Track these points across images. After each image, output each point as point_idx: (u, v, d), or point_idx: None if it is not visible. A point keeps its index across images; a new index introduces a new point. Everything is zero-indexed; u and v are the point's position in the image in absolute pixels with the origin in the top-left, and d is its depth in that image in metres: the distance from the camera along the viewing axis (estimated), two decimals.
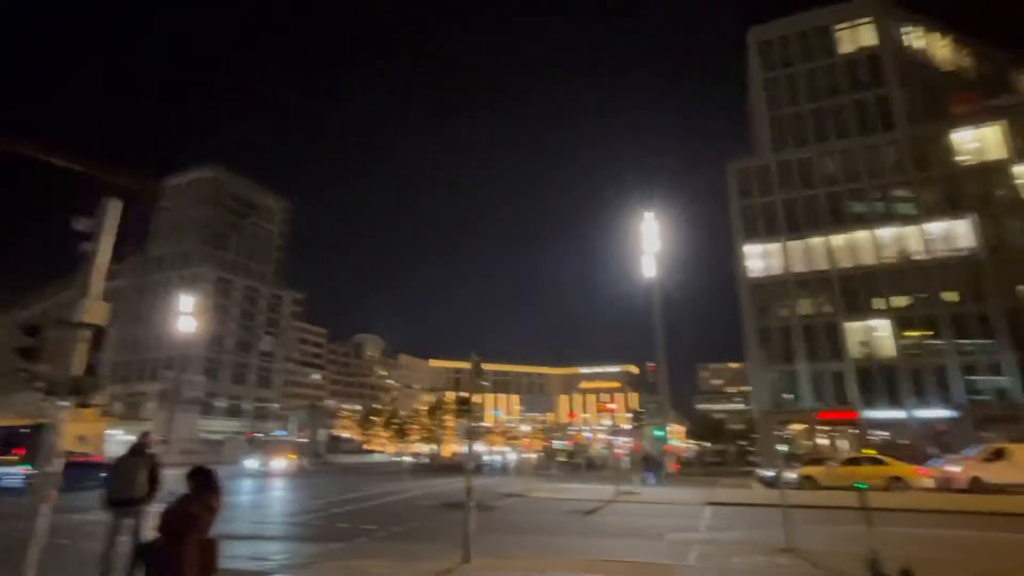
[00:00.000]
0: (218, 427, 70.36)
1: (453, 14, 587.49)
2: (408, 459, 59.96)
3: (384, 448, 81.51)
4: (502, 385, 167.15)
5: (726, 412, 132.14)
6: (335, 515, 15.99)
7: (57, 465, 6.81)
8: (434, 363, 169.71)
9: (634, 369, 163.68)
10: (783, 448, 40.84)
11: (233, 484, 27.80)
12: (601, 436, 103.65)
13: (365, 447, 73.06)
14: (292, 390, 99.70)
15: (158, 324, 68.48)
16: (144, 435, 8.32)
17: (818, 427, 44.22)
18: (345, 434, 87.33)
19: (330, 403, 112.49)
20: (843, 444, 42.26)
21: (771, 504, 14.92)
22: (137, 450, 8.13)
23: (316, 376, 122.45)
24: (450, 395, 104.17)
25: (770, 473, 25.77)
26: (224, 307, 78.39)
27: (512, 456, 60.93)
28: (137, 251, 78.62)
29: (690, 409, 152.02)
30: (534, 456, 50.41)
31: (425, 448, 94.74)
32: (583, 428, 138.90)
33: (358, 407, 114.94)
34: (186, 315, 56.08)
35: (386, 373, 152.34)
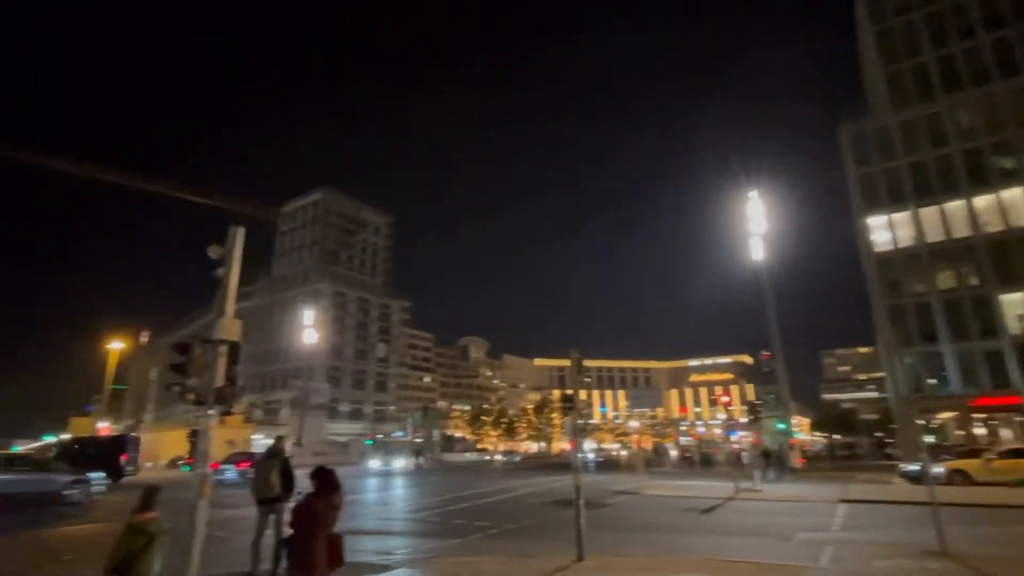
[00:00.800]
0: (343, 430, 76.02)
1: (545, 12, 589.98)
2: (499, 457, 60.91)
3: (495, 446, 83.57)
4: (607, 381, 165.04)
5: (856, 401, 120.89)
6: (451, 512, 16.63)
7: (211, 466, 7.72)
8: (538, 362, 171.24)
9: (747, 359, 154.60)
10: (928, 439, 36.55)
11: (358, 483, 29.87)
12: (716, 431, 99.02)
13: (478, 446, 75.44)
14: (406, 393, 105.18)
15: (286, 338, 75.32)
16: (278, 439, 9.16)
17: (973, 415, 39.02)
18: (457, 433, 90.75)
19: (441, 404, 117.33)
20: (1007, 433, 36.98)
21: (916, 502, 13.43)
22: (272, 453, 8.96)
23: (427, 379, 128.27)
24: (555, 393, 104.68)
25: (914, 467, 23.15)
26: (341, 319, 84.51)
27: (618, 452, 59.86)
28: (264, 273, 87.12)
29: (814, 399, 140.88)
30: (643, 452, 49.20)
31: (534, 446, 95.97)
32: (696, 423, 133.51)
33: (467, 407, 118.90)
34: (309, 328, 61.34)
35: (491, 373, 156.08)
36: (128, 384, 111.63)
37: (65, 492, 18.75)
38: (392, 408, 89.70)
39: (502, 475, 35.37)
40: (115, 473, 25.42)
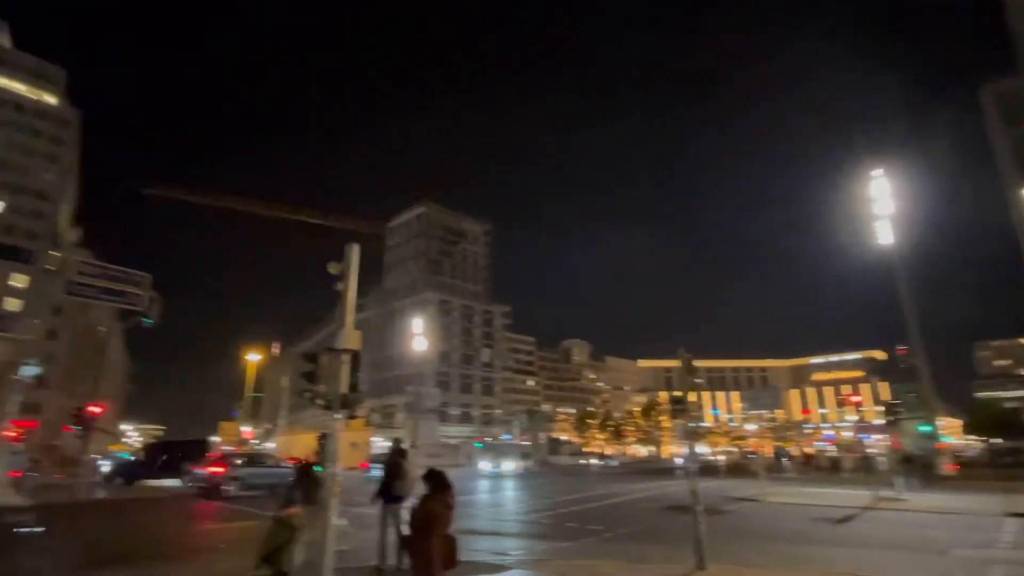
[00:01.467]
0: (454, 432, 78.85)
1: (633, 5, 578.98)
2: (595, 461, 59.44)
3: (602, 449, 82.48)
4: (718, 382, 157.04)
5: (1020, 400, 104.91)
6: (562, 515, 16.64)
7: (360, 465, 8.38)
8: (643, 363, 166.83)
9: (880, 355, 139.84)
10: None
11: (471, 484, 30.78)
12: (846, 434, 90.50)
13: (584, 449, 74.91)
14: (511, 396, 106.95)
15: (398, 345, 79.64)
16: (396, 441, 9.69)
17: None
18: (563, 436, 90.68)
19: (546, 408, 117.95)
20: None
21: None
22: (398, 453, 9.45)
23: (531, 382, 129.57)
24: (663, 395, 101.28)
25: None
26: (447, 325, 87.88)
27: (721, 457, 56.06)
28: (376, 285, 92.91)
29: (965, 398, 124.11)
30: (760, 458, 45.81)
31: (643, 450, 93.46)
32: (821, 425, 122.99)
33: (572, 410, 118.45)
34: (419, 336, 64.46)
35: (595, 376, 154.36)
36: (264, 392, 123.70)
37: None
38: (499, 411, 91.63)
39: (612, 479, 34.83)
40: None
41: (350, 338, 8.57)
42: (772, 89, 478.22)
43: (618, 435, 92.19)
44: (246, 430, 77.57)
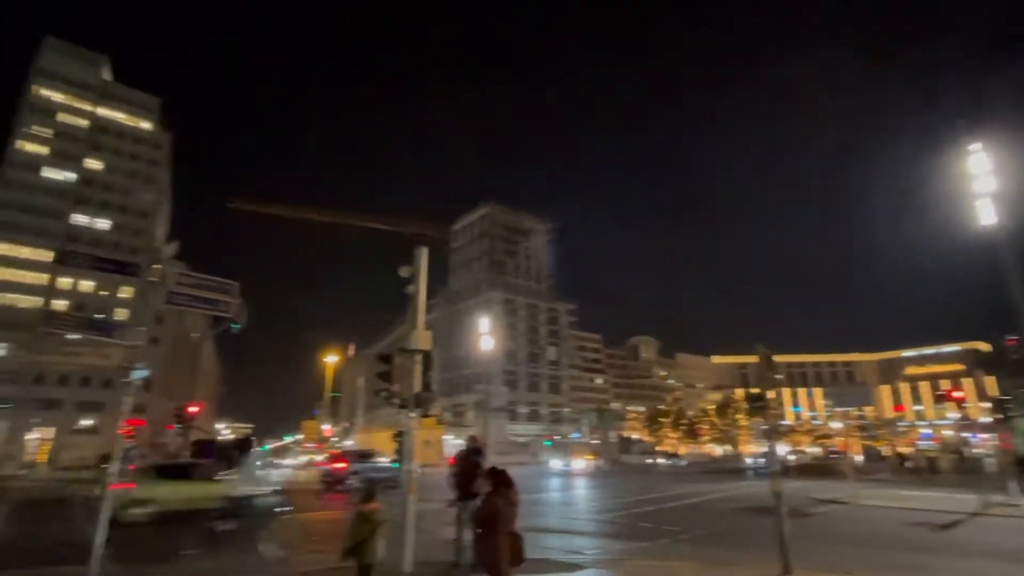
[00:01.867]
0: (522, 431, 79.32)
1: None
2: (662, 461, 57.50)
3: (675, 448, 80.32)
4: (799, 378, 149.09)
5: None
6: (636, 514, 16.35)
7: (417, 464, 8.64)
8: (716, 359, 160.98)
9: (983, 346, 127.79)
10: None
11: (541, 482, 30.84)
12: (947, 432, 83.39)
13: (656, 448, 73.22)
14: (579, 395, 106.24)
15: (465, 345, 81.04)
16: (471, 439, 9.81)
17: None
18: (634, 435, 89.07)
19: (615, 406, 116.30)
20: None
21: None
22: (473, 451, 9.53)
23: (599, 380, 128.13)
24: (738, 392, 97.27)
25: None
26: (512, 324, 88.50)
27: (791, 456, 52.57)
28: (442, 287, 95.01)
29: None
30: (848, 457, 42.70)
31: (718, 449, 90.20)
32: (917, 422, 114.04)
33: (641, 408, 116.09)
34: (485, 336, 65.29)
35: (665, 373, 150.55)
36: (341, 392, 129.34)
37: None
38: (567, 410, 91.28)
39: (684, 479, 33.86)
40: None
41: (421, 339, 8.82)
42: (860, 67, 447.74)
43: (692, 433, 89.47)
44: (327, 428, 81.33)
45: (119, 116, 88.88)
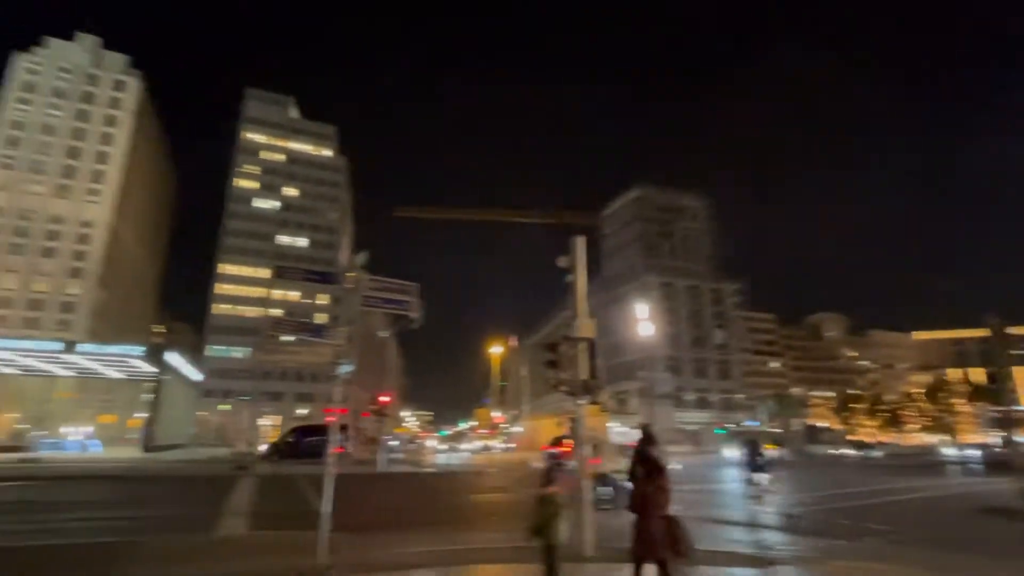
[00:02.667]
0: (691, 419, 76.03)
1: None
2: (852, 452, 49.92)
3: (874, 438, 70.74)
4: None
5: None
6: (831, 510, 14.76)
7: (589, 450, 8.78)
8: (918, 336, 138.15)
9: None
10: None
11: (718, 472, 29.30)
12: None
13: (848, 437, 65.05)
14: (752, 380, 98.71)
15: (624, 332, 79.91)
16: (644, 427, 9.58)
17: None
18: (820, 423, 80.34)
19: (796, 391, 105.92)
20: None
21: None
22: (641, 440, 9.37)
23: (774, 364, 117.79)
24: (953, 373, 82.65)
25: None
26: (673, 308, 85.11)
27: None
28: (596, 274, 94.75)
29: None
30: None
31: (931, 438, 77.59)
32: None
33: (829, 393, 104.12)
34: (643, 321, 63.72)
35: (855, 353, 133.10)
36: (508, 381, 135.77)
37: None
38: (739, 396, 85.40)
39: (888, 472, 29.67)
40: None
41: (584, 327, 8.90)
42: None
43: (895, 421, 78.15)
44: (497, 415, 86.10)
45: (306, 148, 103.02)
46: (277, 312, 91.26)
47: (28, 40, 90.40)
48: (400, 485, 22.29)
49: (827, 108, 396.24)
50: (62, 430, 58.79)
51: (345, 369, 7.32)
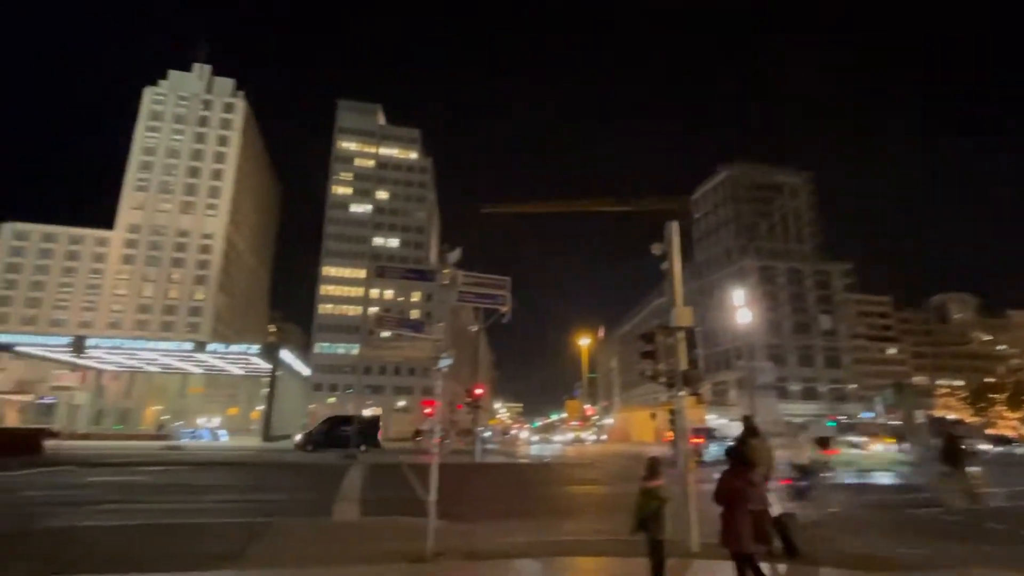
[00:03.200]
0: (797, 410, 71.17)
1: None
2: (987, 447, 43.73)
3: (1018, 432, 62.73)
4: None
5: None
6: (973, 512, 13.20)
7: (689, 444, 8.45)
8: None
9: None
10: None
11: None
12: None
13: (988, 431, 58.01)
14: (867, 368, 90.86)
15: (720, 319, 76.36)
16: (746, 419, 9.11)
17: None
18: (950, 415, 72.46)
19: (918, 379, 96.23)
20: None
21: None
22: (744, 432, 8.89)
23: (892, 350, 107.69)
24: None
25: None
26: (772, 293, 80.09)
27: None
28: (688, 261, 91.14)
29: None
30: None
31: None
32: None
33: (958, 381, 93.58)
34: (741, 308, 60.48)
35: (990, 337, 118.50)
36: (597, 372, 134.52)
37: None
38: (852, 386, 78.87)
39: None
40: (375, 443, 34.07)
41: (682, 316, 8.55)
42: None
43: None
44: (588, 408, 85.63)
45: (394, 152, 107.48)
46: (375, 310, 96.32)
47: (155, 74, 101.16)
48: (496, 475, 22.77)
49: (944, 65, 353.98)
50: (197, 421, 65.67)
51: (444, 362, 7.53)
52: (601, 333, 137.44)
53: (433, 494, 7.26)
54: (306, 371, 75.46)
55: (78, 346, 42.95)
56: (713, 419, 70.59)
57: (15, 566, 6.15)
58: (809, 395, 76.63)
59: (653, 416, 73.95)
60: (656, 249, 9.04)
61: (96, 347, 47.29)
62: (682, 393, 8.39)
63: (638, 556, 7.27)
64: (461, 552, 7.53)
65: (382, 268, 8.30)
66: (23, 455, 22.95)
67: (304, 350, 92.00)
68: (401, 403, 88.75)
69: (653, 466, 6.25)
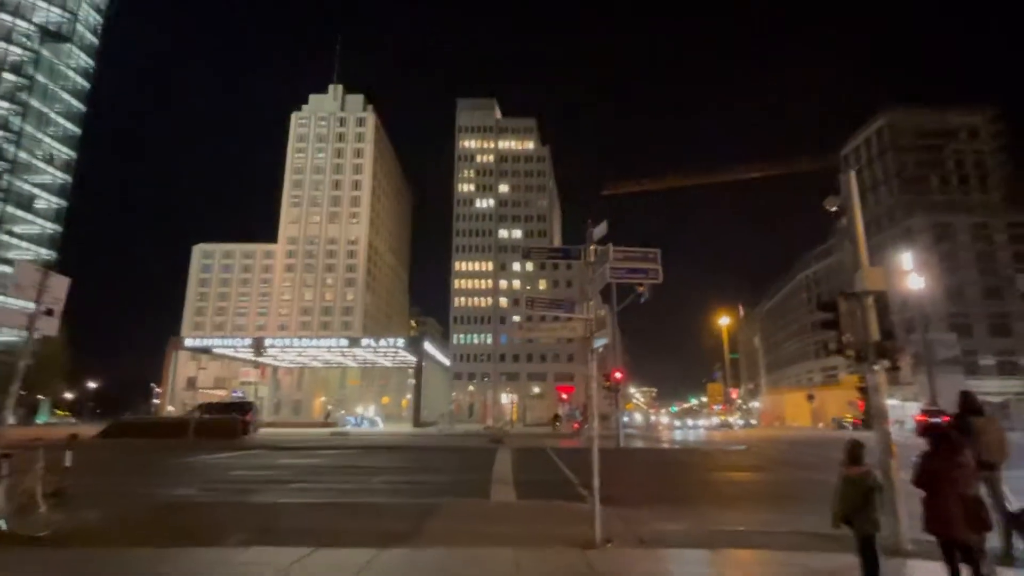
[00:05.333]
0: (992, 387, 60.82)
1: None
2: None
3: None
4: None
5: None
6: None
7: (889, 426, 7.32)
8: None
9: None
10: None
11: None
12: None
13: None
14: None
15: (886, 288, 67.50)
16: (964, 396, 7.57)
17: None
18: None
19: None
20: None
21: None
22: (963, 410, 7.37)
23: None
24: None
25: None
26: (950, 254, 69.00)
27: None
28: (837, 224, 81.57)
29: None
30: None
31: None
32: None
33: None
34: (910, 273, 52.83)
35: None
36: (739, 353, 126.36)
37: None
38: None
39: None
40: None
41: (871, 277, 7.42)
42: None
43: None
44: (732, 390, 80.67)
45: (512, 144, 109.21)
46: (504, 302, 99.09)
47: (299, 99, 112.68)
48: (644, 460, 22.15)
49: None
50: (356, 410, 72.49)
51: (600, 342, 7.23)
52: (741, 311, 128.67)
53: (596, 480, 7.03)
54: (447, 361, 79.83)
55: (258, 346, 49.24)
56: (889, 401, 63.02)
57: (236, 535, 6.97)
58: (1007, 369, 65.21)
59: (810, 397, 67.60)
60: (831, 203, 7.94)
61: (271, 346, 53.98)
62: (876, 367, 7.26)
63: (831, 551, 6.46)
64: (629, 539, 7.24)
65: (528, 250, 8.16)
66: (227, 439, 26.91)
67: (444, 341, 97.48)
68: (536, 390, 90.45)
69: (855, 451, 5.43)
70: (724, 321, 74.82)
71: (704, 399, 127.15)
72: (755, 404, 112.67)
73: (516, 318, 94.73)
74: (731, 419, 68.44)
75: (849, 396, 67.39)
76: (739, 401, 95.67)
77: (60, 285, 8.18)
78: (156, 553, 6.31)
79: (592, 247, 7.52)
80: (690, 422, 74.52)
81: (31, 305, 7.68)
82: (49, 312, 7.85)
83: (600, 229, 7.59)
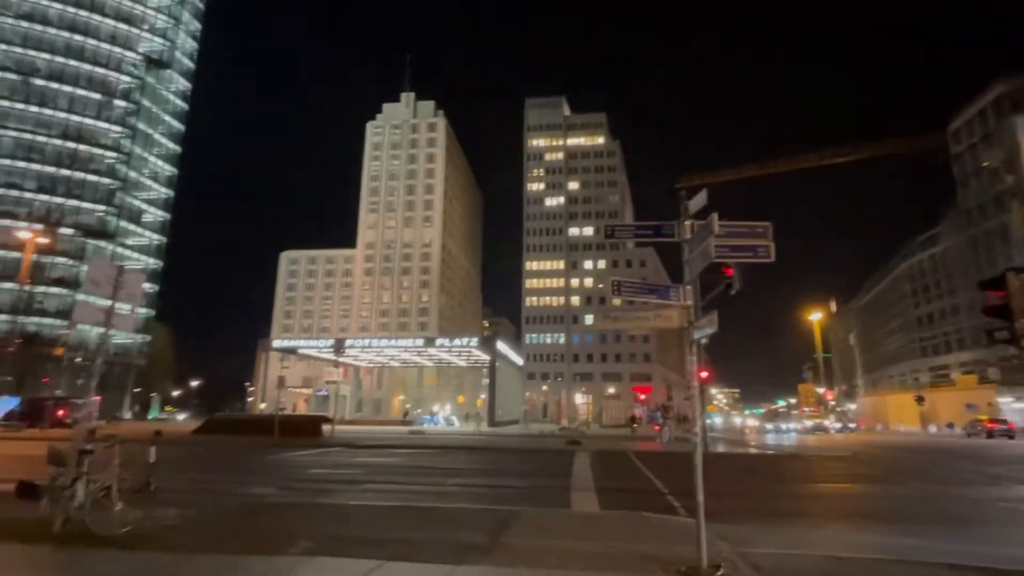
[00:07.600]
0: None
1: None
2: None
3: None
4: None
5: None
6: None
7: None
8: None
9: None
10: None
11: None
12: None
13: None
14: None
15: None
16: None
17: None
18: None
19: None
20: None
21: None
22: None
23: None
24: None
25: None
26: None
27: None
28: (951, 208, 73.64)
29: None
30: None
31: None
32: None
33: None
34: None
35: None
36: (831, 352, 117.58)
37: None
38: None
39: None
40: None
41: None
42: None
43: None
44: (826, 391, 74.87)
45: (581, 140, 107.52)
46: (576, 300, 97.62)
47: (373, 108, 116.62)
48: (738, 466, 20.44)
49: None
50: (433, 408, 73.70)
51: (703, 331, 6.17)
52: (833, 306, 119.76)
53: (700, 494, 5.96)
54: (520, 360, 79.48)
55: (338, 347, 50.99)
56: (1008, 402, 56.32)
57: (304, 542, 6.51)
58: None
59: (920, 399, 61.29)
60: (987, 159, 6.42)
61: (352, 347, 55.74)
62: None
63: None
64: (740, 567, 6.10)
65: (612, 228, 7.22)
66: (308, 436, 27.65)
67: (516, 341, 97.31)
68: (611, 390, 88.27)
69: None
70: (815, 317, 69.33)
71: (793, 400, 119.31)
72: (850, 406, 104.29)
73: (589, 317, 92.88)
74: (826, 422, 63.36)
75: (966, 397, 60.51)
76: (833, 403, 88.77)
77: (135, 281, 8.14)
78: (220, 561, 5.95)
79: (688, 222, 6.47)
80: (782, 425, 69.77)
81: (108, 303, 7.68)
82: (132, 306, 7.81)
83: (699, 199, 6.53)
